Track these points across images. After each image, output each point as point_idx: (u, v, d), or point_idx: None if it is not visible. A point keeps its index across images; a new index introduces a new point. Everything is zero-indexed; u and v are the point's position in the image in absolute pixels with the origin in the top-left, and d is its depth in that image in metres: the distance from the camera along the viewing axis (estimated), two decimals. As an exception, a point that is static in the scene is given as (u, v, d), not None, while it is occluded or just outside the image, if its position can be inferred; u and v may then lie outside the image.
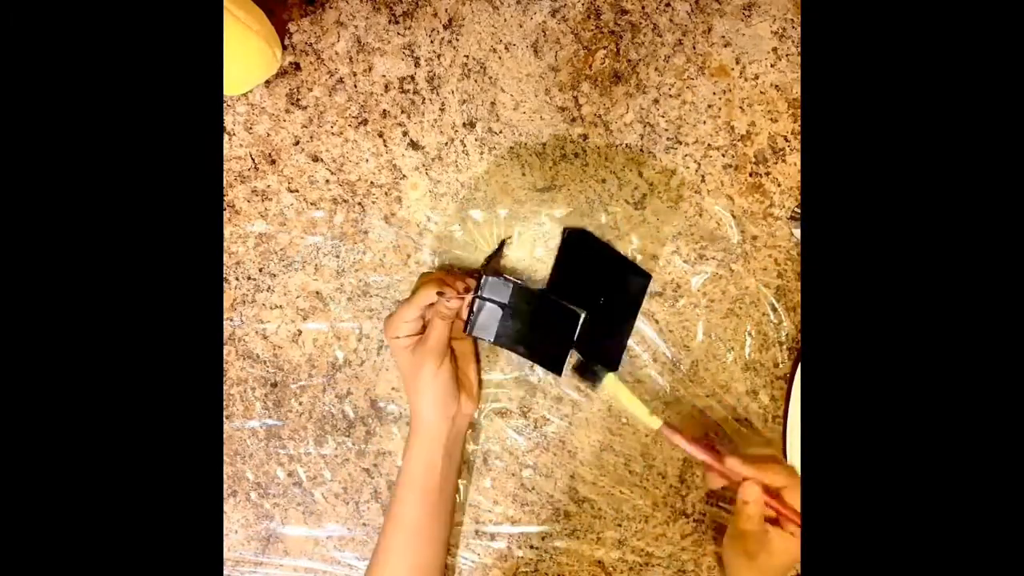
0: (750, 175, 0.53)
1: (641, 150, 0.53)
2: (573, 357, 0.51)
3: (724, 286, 0.53)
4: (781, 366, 0.53)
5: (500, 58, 0.52)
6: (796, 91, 0.53)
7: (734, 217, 0.53)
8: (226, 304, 0.53)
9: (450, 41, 0.53)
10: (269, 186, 0.53)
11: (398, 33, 0.53)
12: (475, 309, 0.46)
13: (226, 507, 0.54)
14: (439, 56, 0.53)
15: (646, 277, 0.52)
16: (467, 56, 0.53)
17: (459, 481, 0.52)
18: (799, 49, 0.53)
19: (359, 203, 0.53)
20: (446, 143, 0.53)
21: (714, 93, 0.53)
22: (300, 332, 0.53)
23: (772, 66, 0.53)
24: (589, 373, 0.48)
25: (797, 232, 0.51)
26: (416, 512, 0.48)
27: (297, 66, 0.53)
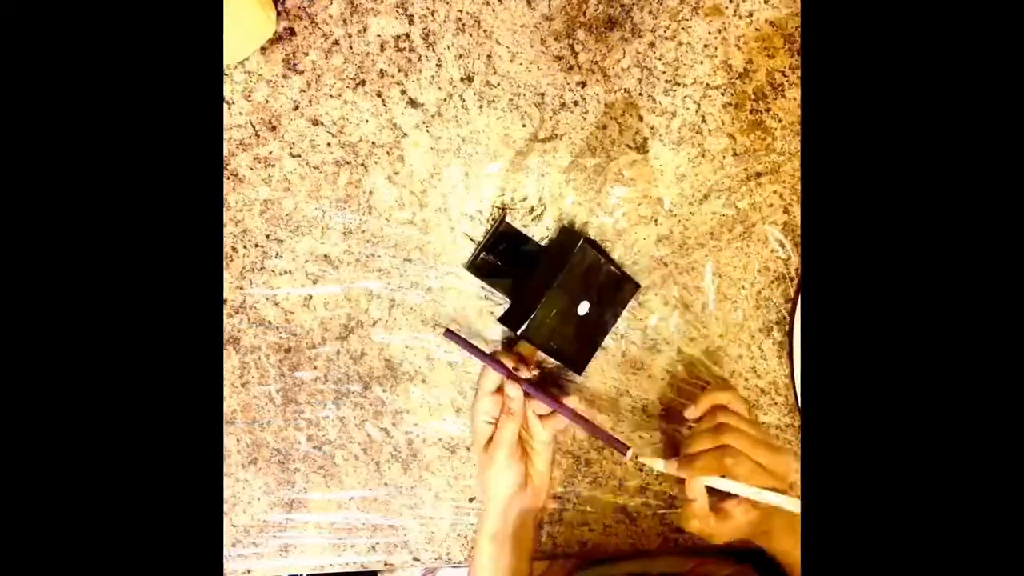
0: (750, 112, 0.53)
1: (640, 94, 0.53)
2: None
3: (730, 225, 0.53)
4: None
5: (493, 10, 0.52)
6: (791, 26, 0.53)
7: (736, 155, 0.53)
8: (235, 272, 0.53)
9: (443, -3, 0.53)
10: (271, 152, 0.53)
11: (390, -8, 0.53)
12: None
13: (247, 474, 0.54)
14: (432, 12, 0.53)
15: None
16: (460, 11, 0.52)
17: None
18: (792, -17, 0.52)
19: (362, 164, 0.53)
20: (445, 99, 0.53)
21: (709, 33, 0.53)
22: (311, 296, 0.53)
23: (766, 2, 0.53)
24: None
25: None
26: None
27: (291, 31, 0.53)
